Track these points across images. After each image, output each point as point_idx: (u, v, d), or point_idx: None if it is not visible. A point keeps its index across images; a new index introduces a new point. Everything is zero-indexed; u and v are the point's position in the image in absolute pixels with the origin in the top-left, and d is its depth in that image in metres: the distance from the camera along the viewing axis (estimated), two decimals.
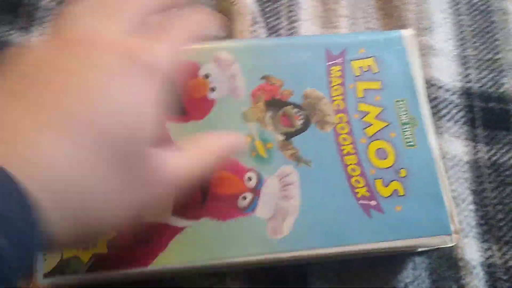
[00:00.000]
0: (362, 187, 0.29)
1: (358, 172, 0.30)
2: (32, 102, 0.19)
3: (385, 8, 0.42)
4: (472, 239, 0.34)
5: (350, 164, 0.30)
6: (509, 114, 0.38)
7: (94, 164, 0.19)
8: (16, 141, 0.18)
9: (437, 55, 0.39)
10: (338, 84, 0.32)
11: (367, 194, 0.29)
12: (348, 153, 0.30)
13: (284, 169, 0.30)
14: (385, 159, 0.30)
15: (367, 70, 0.32)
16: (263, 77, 0.32)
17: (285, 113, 0.31)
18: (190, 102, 0.31)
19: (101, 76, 0.20)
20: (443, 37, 0.40)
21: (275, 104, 0.31)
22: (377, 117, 0.31)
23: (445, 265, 0.33)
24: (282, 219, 0.29)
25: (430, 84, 0.38)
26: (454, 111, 0.38)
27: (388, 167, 0.30)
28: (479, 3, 0.42)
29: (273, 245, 0.28)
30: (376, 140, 0.31)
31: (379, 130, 0.31)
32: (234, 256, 0.28)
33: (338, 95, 0.32)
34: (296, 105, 0.31)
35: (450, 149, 0.36)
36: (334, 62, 0.32)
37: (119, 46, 0.21)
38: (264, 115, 0.31)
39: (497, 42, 0.41)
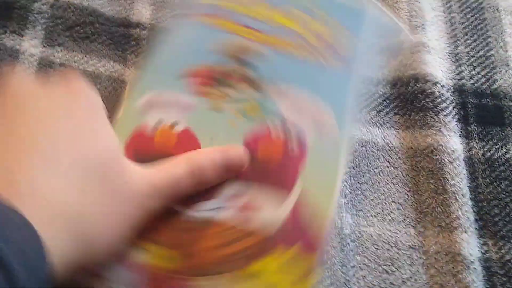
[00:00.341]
0: None
1: None
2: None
3: None
4: (471, 234, 0.34)
5: None
6: (502, 110, 0.38)
7: (83, 186, 0.22)
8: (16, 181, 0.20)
9: (430, 53, 0.39)
10: None
11: None
12: None
13: None
14: None
15: None
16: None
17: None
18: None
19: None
20: (436, 35, 0.41)
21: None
22: None
23: (443, 260, 0.33)
24: None
25: (425, 80, 0.38)
26: (450, 107, 0.38)
27: None
28: (471, 1, 0.43)
29: None
30: None
31: None
32: None
33: None
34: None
35: (450, 144, 0.36)
36: None
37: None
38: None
39: (489, 39, 0.41)
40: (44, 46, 0.39)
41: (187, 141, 0.31)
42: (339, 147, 0.32)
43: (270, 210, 0.30)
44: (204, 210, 0.29)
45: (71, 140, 0.23)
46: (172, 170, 0.27)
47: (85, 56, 0.39)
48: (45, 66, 0.38)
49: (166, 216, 0.29)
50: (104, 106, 0.27)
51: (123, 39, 0.40)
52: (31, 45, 0.38)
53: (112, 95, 0.37)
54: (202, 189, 0.29)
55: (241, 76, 0.33)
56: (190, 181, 0.27)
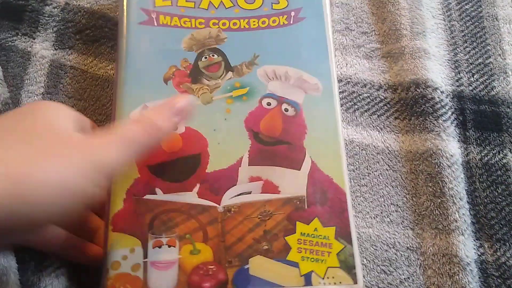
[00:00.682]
0: None
1: None
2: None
3: (378, 13, 0.43)
4: (467, 236, 0.35)
5: None
6: (500, 116, 0.39)
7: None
8: None
9: (430, 59, 0.40)
10: None
11: None
12: None
13: None
14: None
15: None
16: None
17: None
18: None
19: None
20: (436, 42, 0.42)
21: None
22: None
23: (440, 262, 0.34)
24: None
25: (425, 85, 0.39)
26: (449, 112, 0.39)
27: None
28: (471, 9, 0.44)
29: None
30: None
31: None
32: None
33: None
34: None
35: (448, 148, 0.37)
36: None
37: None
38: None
39: (488, 47, 0.42)
40: (55, 49, 0.40)
41: (193, 139, 0.32)
42: (334, 108, 0.34)
43: (288, 186, 0.31)
44: (231, 198, 0.31)
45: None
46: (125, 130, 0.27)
47: (95, 59, 0.40)
48: (56, 68, 0.39)
49: (192, 212, 0.30)
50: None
51: None
52: (42, 47, 0.40)
53: None
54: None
55: (215, 64, 0.34)
56: (146, 137, 0.27)
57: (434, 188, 0.36)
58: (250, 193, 0.31)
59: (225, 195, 0.31)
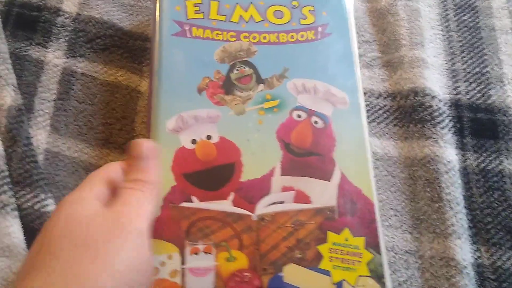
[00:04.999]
0: None
1: None
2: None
3: (379, 24, 0.44)
4: (464, 240, 0.36)
5: None
6: (496, 124, 0.40)
7: None
8: None
9: (428, 68, 0.42)
10: None
11: None
12: None
13: None
14: None
15: None
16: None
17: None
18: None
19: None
20: (434, 52, 0.43)
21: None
22: None
23: (437, 265, 0.35)
24: None
25: (424, 93, 0.40)
26: (447, 120, 0.40)
27: None
28: (468, 20, 0.45)
29: None
30: None
31: None
32: None
33: None
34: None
35: (446, 155, 0.38)
36: None
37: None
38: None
39: (485, 57, 0.43)
40: (67, 57, 0.41)
41: (227, 149, 0.33)
42: (361, 120, 0.35)
43: (319, 196, 0.32)
44: (264, 207, 0.32)
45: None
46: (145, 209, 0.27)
47: (105, 66, 0.41)
48: (67, 75, 0.41)
49: (227, 220, 0.31)
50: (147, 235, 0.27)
51: (139, 52, 0.42)
52: (54, 56, 0.41)
53: (129, 102, 0.40)
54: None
55: (246, 76, 0.35)
56: (156, 202, 0.28)
57: (432, 194, 0.37)
58: (282, 202, 0.32)
59: (259, 204, 0.32)
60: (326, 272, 0.30)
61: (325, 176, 0.33)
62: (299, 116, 0.34)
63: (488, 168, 0.39)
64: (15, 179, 0.35)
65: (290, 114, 0.34)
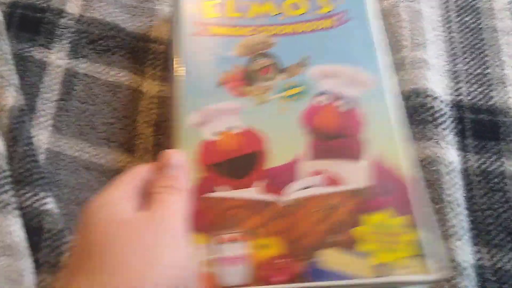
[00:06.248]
0: None
1: None
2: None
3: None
4: (465, 242, 0.36)
5: None
6: (497, 125, 0.40)
7: None
8: None
9: (430, 69, 0.42)
10: None
11: None
12: None
13: None
14: None
15: None
16: None
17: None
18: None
19: None
20: (436, 53, 0.43)
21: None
22: None
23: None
24: None
25: (425, 94, 0.40)
26: (448, 121, 0.40)
27: None
28: (470, 22, 0.45)
29: None
30: None
31: None
32: None
33: None
34: None
35: (447, 156, 0.38)
36: None
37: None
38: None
39: (486, 58, 0.43)
40: (69, 58, 0.42)
41: (250, 137, 0.34)
42: (385, 100, 0.35)
43: (349, 178, 0.32)
44: (292, 192, 0.32)
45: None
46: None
47: (107, 67, 0.42)
48: (70, 76, 0.41)
49: (256, 208, 0.31)
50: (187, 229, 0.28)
51: (142, 53, 0.43)
52: (57, 57, 0.42)
53: (131, 102, 0.41)
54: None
55: (267, 66, 0.36)
56: (188, 200, 0.30)
57: (433, 195, 0.37)
58: (311, 187, 0.32)
59: (287, 190, 0.32)
60: (365, 255, 0.30)
61: (353, 157, 0.33)
62: (323, 100, 0.35)
63: (489, 169, 0.39)
64: (15, 179, 0.36)
65: (314, 100, 0.35)
